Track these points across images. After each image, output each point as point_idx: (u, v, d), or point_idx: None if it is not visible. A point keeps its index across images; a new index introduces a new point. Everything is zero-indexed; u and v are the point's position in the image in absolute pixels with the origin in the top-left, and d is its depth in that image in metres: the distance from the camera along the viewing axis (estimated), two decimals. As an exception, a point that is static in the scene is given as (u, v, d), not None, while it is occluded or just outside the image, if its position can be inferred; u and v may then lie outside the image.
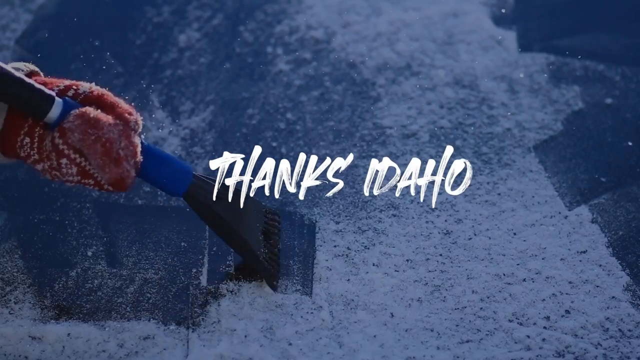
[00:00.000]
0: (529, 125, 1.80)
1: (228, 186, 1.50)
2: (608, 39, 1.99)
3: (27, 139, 1.41)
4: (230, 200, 1.50)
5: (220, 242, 1.60)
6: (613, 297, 1.50)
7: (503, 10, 2.06)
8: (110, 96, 1.44)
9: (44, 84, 1.43)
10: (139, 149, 1.43)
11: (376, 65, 1.94)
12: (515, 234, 1.61)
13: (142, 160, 1.43)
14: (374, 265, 1.56)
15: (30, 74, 1.44)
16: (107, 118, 1.39)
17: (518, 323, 1.47)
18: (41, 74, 1.45)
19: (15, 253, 1.57)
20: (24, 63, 1.45)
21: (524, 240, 1.59)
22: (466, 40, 1.99)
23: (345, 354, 1.43)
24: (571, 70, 1.92)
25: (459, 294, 1.51)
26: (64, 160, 1.39)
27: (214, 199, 1.48)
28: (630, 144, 1.77)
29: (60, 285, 1.53)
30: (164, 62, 1.96)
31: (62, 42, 2.02)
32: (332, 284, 1.53)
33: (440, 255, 1.57)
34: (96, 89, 1.44)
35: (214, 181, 1.49)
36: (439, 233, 1.61)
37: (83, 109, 1.40)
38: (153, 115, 1.83)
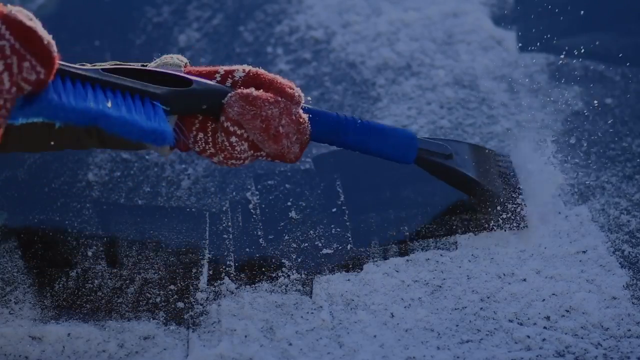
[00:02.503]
0: (529, 125, 1.80)
1: (452, 140, 1.60)
2: (608, 39, 1.98)
3: (201, 134, 1.43)
4: (460, 153, 1.58)
5: (220, 242, 1.60)
6: (613, 297, 1.50)
7: (503, 10, 2.06)
8: (266, 74, 1.47)
9: (200, 74, 1.45)
10: (305, 123, 1.46)
11: (376, 65, 1.94)
12: (515, 234, 1.61)
13: (309, 135, 1.47)
14: (374, 265, 1.56)
15: (185, 66, 1.47)
16: (266, 95, 1.42)
17: (518, 323, 1.47)
18: (188, 63, 1.47)
19: (15, 253, 1.57)
20: (177, 56, 1.47)
21: (524, 240, 1.59)
22: (466, 40, 1.99)
23: (345, 354, 1.43)
24: (571, 70, 1.92)
25: (459, 294, 1.51)
26: (233, 139, 1.42)
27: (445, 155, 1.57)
28: (630, 144, 1.76)
29: (60, 285, 1.53)
30: (164, 62, 1.96)
31: (62, 42, 2.01)
32: (332, 284, 1.53)
33: (441, 255, 1.57)
34: (249, 69, 1.47)
35: (438, 139, 1.58)
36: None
37: (240, 90, 1.43)
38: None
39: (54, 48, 1.30)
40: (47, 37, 1.30)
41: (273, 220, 1.64)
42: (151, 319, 1.48)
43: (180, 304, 1.50)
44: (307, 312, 1.49)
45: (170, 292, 1.52)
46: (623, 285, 1.51)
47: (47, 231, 1.61)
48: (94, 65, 1.40)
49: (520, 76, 1.91)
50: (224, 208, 1.66)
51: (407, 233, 1.60)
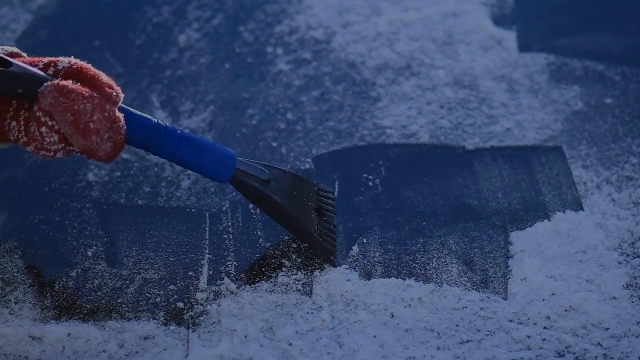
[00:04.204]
0: (529, 125, 1.80)
1: (275, 167, 1.55)
2: (608, 39, 1.99)
3: (14, 123, 1.43)
4: (278, 181, 1.54)
5: (220, 242, 1.60)
6: (613, 296, 1.50)
7: (503, 10, 2.06)
8: (90, 69, 1.45)
9: (25, 62, 1.44)
10: (119, 123, 1.44)
11: (376, 65, 1.94)
12: (515, 234, 1.61)
13: (125, 136, 1.44)
14: (374, 265, 1.56)
15: (11, 55, 1.45)
16: (81, 89, 1.41)
17: (518, 323, 1.47)
18: (23, 54, 1.47)
19: (15, 253, 1.57)
20: (2, 46, 1.46)
21: (524, 240, 1.59)
22: (466, 40, 1.99)
23: (345, 354, 1.43)
24: (571, 70, 1.92)
25: (459, 294, 1.51)
26: (43, 129, 1.41)
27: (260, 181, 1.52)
28: (630, 144, 1.77)
29: (60, 285, 1.53)
30: (164, 62, 1.96)
31: (62, 42, 2.02)
32: (332, 284, 1.53)
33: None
34: (76, 62, 1.46)
35: (259, 164, 1.53)
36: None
37: (58, 81, 1.42)
38: (153, 116, 1.83)
39: None
40: None
41: (273, 220, 1.63)
42: (151, 319, 1.48)
43: (180, 304, 1.50)
44: (307, 312, 1.49)
45: (170, 292, 1.52)
46: (623, 285, 1.51)
47: (47, 231, 1.61)
48: None
49: (520, 76, 1.91)
50: (224, 208, 1.66)
51: (407, 233, 1.60)
